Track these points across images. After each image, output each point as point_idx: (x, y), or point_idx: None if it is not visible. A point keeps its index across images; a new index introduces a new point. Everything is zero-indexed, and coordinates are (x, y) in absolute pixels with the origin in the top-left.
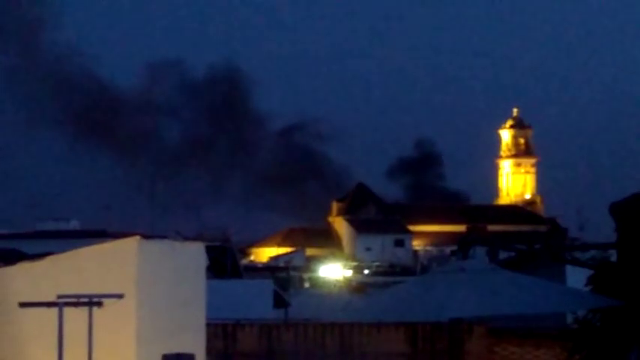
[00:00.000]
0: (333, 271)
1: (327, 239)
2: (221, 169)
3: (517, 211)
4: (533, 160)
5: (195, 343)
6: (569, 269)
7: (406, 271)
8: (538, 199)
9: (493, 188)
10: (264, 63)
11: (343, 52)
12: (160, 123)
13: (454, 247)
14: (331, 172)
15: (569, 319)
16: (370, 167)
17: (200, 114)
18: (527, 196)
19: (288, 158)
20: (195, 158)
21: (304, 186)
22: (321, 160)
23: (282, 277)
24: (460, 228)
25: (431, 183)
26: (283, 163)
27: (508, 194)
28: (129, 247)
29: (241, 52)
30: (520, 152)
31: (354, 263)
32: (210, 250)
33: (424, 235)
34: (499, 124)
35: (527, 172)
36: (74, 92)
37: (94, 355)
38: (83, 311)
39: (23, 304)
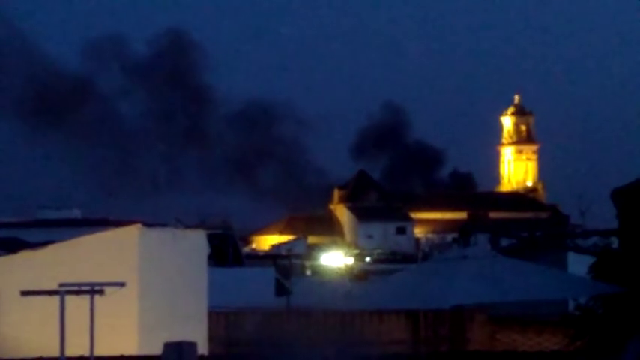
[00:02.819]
0: (335, 258)
1: (328, 227)
2: (178, 154)
3: (519, 199)
4: (534, 147)
5: (197, 330)
6: (571, 256)
7: (408, 258)
8: (539, 186)
9: (495, 175)
10: (211, 35)
11: (324, 31)
12: (113, 104)
13: (456, 235)
14: (296, 154)
15: (571, 305)
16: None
17: (153, 94)
18: (529, 184)
19: (250, 140)
20: (154, 142)
21: (268, 170)
22: (288, 144)
23: (284, 264)
24: (462, 215)
25: (404, 143)
26: (246, 145)
27: (510, 181)
28: (130, 235)
29: (189, 25)
30: (521, 139)
31: (356, 251)
32: (211, 238)
33: (426, 222)
34: (500, 111)
35: (528, 159)
36: (14, 74)
37: (96, 343)
38: (85, 299)
39: (25, 292)
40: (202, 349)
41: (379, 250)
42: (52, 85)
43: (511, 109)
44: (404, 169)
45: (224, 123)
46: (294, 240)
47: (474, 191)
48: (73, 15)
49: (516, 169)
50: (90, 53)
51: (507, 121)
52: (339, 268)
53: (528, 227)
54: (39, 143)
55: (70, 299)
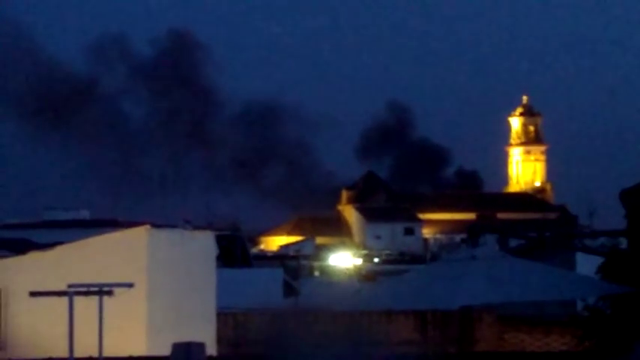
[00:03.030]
0: (343, 259)
1: (336, 228)
2: (181, 154)
3: (527, 199)
4: (543, 148)
5: (206, 331)
6: (579, 256)
7: (416, 259)
8: (548, 187)
9: (503, 176)
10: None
11: (329, 32)
12: (119, 105)
13: (464, 235)
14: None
15: (580, 306)
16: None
17: (160, 95)
18: (537, 184)
19: (257, 142)
20: (162, 144)
21: (275, 171)
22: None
23: (292, 265)
24: (470, 216)
25: (410, 142)
26: (254, 147)
27: (518, 182)
28: (139, 236)
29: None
30: (530, 140)
31: (364, 251)
32: (220, 239)
33: (434, 223)
34: (509, 112)
35: (537, 160)
36: (20, 75)
37: (105, 344)
38: (94, 300)
39: (34, 293)
40: (211, 349)
41: (387, 251)
42: (59, 86)
43: (519, 110)
44: (411, 168)
45: (232, 124)
46: (303, 241)
47: (480, 189)
48: (77, 16)
49: (525, 169)
50: (95, 54)
51: (516, 122)
52: (348, 269)
53: (537, 228)
54: (45, 144)
55: (78, 300)
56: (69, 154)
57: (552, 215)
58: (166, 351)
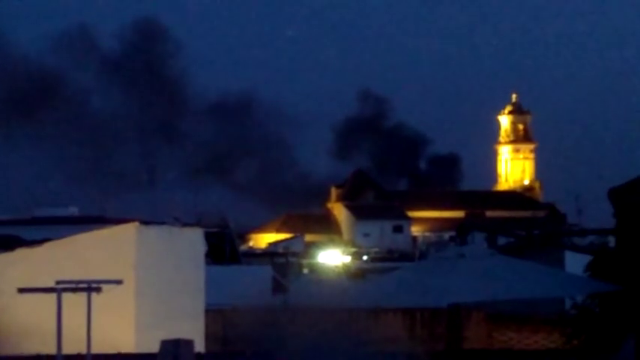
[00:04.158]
0: (332, 257)
1: (325, 225)
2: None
3: (516, 197)
4: (532, 146)
5: (194, 328)
6: (568, 255)
7: (405, 257)
8: (537, 185)
9: (492, 174)
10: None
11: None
12: (86, 99)
13: (453, 233)
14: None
15: (568, 304)
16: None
17: (128, 89)
18: (526, 182)
19: (244, 138)
20: (146, 140)
21: (264, 168)
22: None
23: (281, 262)
24: (459, 214)
25: (386, 133)
26: (240, 143)
27: (507, 180)
28: (128, 233)
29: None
30: (519, 138)
31: (353, 249)
32: (209, 236)
33: (423, 221)
34: (498, 110)
35: (526, 158)
36: None
37: (93, 341)
38: (82, 297)
39: (22, 290)
40: (199, 346)
41: (376, 249)
42: (24, 82)
43: (509, 108)
44: (392, 158)
45: (206, 119)
46: (292, 238)
47: (458, 171)
48: (43, 6)
49: (513, 167)
50: (67, 49)
51: (505, 120)
52: (336, 267)
53: (525, 226)
54: (16, 142)
55: (66, 297)
56: (41, 152)
57: (541, 213)
58: (155, 348)
